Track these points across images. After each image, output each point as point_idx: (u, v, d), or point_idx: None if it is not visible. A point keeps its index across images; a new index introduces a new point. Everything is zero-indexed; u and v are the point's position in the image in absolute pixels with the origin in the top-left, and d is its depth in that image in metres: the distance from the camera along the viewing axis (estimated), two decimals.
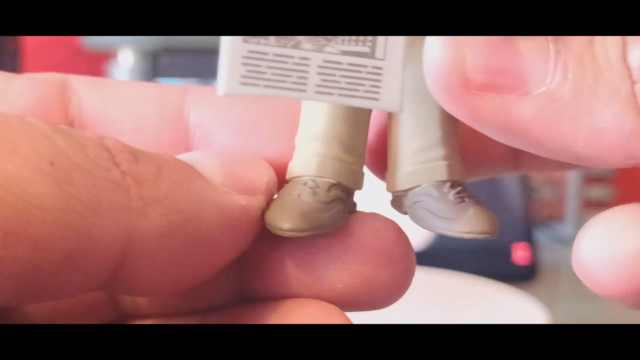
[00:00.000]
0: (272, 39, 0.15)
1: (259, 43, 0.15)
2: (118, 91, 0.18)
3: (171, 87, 0.19)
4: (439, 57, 0.15)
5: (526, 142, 0.15)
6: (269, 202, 0.16)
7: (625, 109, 0.14)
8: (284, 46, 0.15)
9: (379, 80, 0.16)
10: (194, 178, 0.15)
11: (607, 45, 0.15)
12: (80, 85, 0.18)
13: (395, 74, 0.16)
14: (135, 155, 0.14)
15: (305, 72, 0.15)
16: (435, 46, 0.15)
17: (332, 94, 0.15)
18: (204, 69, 0.61)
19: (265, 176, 0.16)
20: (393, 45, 0.16)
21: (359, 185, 0.18)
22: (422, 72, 0.16)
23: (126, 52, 0.72)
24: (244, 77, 0.15)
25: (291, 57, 0.15)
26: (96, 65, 0.80)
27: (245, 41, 0.15)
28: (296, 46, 0.15)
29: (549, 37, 0.15)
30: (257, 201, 0.16)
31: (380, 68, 0.16)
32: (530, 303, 0.53)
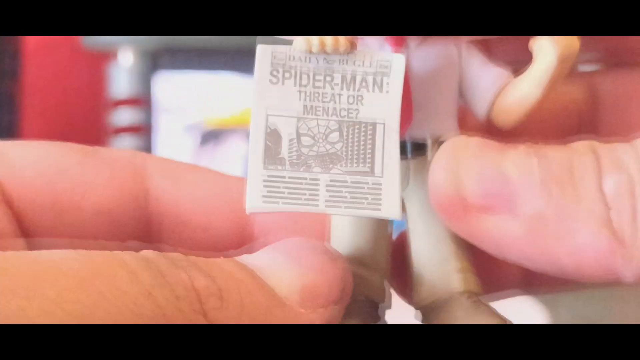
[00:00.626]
0: (287, 164, 0.18)
1: (276, 168, 0.18)
2: (189, 183, 0.22)
3: (235, 181, 0.22)
4: (441, 183, 0.18)
5: (518, 257, 0.18)
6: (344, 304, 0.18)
7: (601, 230, 0.17)
8: (298, 170, 0.18)
9: (379, 194, 0.18)
10: (274, 309, 0.16)
11: (585, 175, 0.17)
12: (156, 174, 0.21)
13: (393, 187, 0.18)
14: (222, 298, 0.16)
15: (316, 190, 0.18)
16: (437, 173, 0.18)
17: (340, 206, 0.18)
18: (203, 66, 0.61)
19: (339, 282, 0.18)
20: (389, 164, 0.18)
21: (382, 299, 0.19)
22: (428, 197, 0.18)
23: (126, 52, 0.72)
24: (265, 196, 0.18)
25: (304, 178, 0.18)
26: (96, 65, 0.80)
27: (265, 167, 0.18)
28: (307, 169, 0.18)
29: (535, 165, 0.17)
30: (332, 312, 0.17)
31: (380, 184, 0.18)
32: (530, 303, 0.53)
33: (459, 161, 0.18)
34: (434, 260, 0.19)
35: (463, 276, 0.19)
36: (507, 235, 0.17)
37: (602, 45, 0.22)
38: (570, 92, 0.23)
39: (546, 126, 0.22)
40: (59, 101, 0.87)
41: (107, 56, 0.74)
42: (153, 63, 0.60)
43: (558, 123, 0.22)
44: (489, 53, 0.20)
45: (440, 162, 0.18)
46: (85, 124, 0.86)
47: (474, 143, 0.18)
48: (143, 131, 0.68)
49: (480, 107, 0.20)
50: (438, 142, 0.19)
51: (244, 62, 0.61)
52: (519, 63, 0.19)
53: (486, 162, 0.18)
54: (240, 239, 0.22)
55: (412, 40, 0.19)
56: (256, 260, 0.18)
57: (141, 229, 0.22)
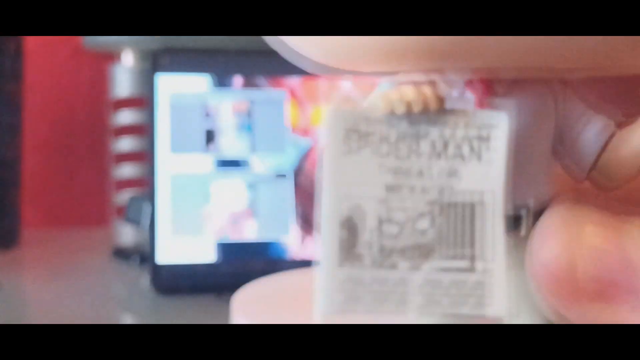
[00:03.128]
0: (367, 259, 0.15)
1: (353, 266, 0.15)
2: None
3: None
4: (549, 262, 0.15)
5: None
6: None
7: None
8: (380, 267, 0.15)
9: (483, 295, 0.15)
10: None
11: None
12: None
13: (500, 284, 0.15)
14: None
15: (405, 293, 0.15)
16: (544, 250, 0.15)
17: (434, 313, 0.15)
18: (205, 67, 0.61)
19: None
20: (494, 255, 0.15)
21: None
22: (522, 280, 0.15)
23: (127, 52, 0.72)
24: (342, 303, 0.15)
25: (388, 278, 0.15)
26: (97, 66, 0.80)
27: (341, 266, 0.15)
28: (393, 266, 0.15)
29: None
30: None
31: (482, 282, 0.15)
32: None
33: (571, 236, 0.15)
34: None
35: None
36: None
37: None
38: None
39: None
40: (60, 101, 0.87)
41: (109, 57, 0.74)
42: (155, 63, 0.60)
43: None
44: (585, 101, 0.17)
45: (545, 237, 0.15)
46: (87, 124, 0.86)
47: (589, 214, 0.15)
48: (144, 132, 0.68)
49: (580, 164, 0.17)
50: (533, 214, 0.16)
51: (246, 63, 0.61)
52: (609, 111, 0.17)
53: (604, 240, 0.15)
54: None
55: (499, 86, 0.16)
56: None
57: None
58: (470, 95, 0.16)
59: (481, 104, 0.16)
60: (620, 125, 0.17)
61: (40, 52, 0.83)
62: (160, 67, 0.60)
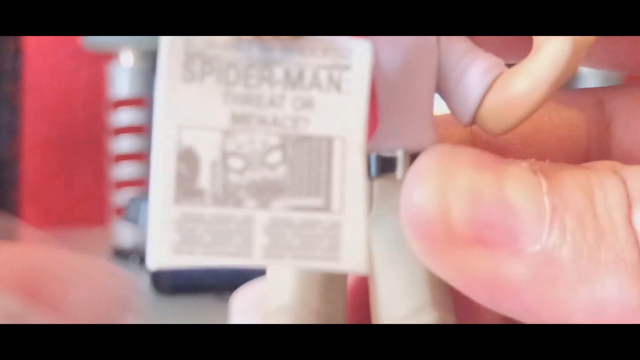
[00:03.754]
0: (208, 197, 0.13)
1: (193, 203, 0.13)
2: None
3: None
4: (420, 205, 0.13)
5: (517, 308, 0.14)
6: None
7: (632, 280, 0.13)
8: (223, 205, 0.13)
9: (338, 237, 0.13)
10: None
11: (610, 204, 0.13)
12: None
13: (357, 227, 0.13)
14: None
15: (250, 234, 0.13)
16: (415, 193, 0.13)
17: (283, 256, 0.13)
18: None
19: None
20: (351, 195, 0.13)
21: None
22: (400, 225, 0.14)
23: (127, 53, 0.71)
24: (178, 244, 0.13)
25: (232, 217, 0.13)
26: (97, 66, 0.80)
27: (177, 202, 0.13)
28: (237, 204, 0.13)
29: (544, 187, 0.13)
30: None
31: (338, 222, 0.13)
32: None
33: (446, 177, 0.13)
34: (405, 311, 0.15)
35: None
36: (505, 279, 0.13)
37: (618, 48, 0.17)
38: (575, 111, 0.18)
39: (547, 150, 0.17)
40: (59, 101, 0.87)
41: (108, 57, 0.74)
42: (154, 63, 0.60)
43: (561, 147, 0.18)
44: (474, 41, 0.16)
45: (418, 178, 0.14)
46: (86, 124, 0.86)
47: (466, 154, 0.14)
48: (144, 131, 0.68)
49: (465, 106, 0.15)
50: (411, 155, 0.15)
51: None
52: (500, 50, 0.16)
53: (482, 180, 0.13)
54: None
55: None
56: None
57: None
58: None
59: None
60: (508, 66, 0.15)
61: (40, 52, 0.83)
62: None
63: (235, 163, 0.13)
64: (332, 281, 0.15)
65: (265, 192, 0.13)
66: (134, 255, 0.69)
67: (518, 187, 0.13)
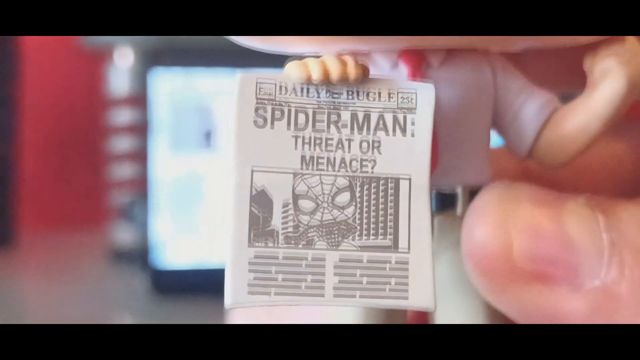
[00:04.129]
0: (281, 238, 0.14)
1: (266, 245, 0.14)
2: None
3: None
4: (482, 240, 0.14)
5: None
6: None
7: None
8: (295, 246, 0.14)
9: (406, 276, 0.14)
10: None
11: None
12: None
13: (425, 265, 0.14)
14: None
15: (322, 273, 0.14)
16: (478, 228, 0.14)
17: (354, 296, 0.14)
18: (204, 65, 0.61)
19: None
20: (418, 235, 0.14)
21: None
22: (461, 260, 0.14)
23: (125, 52, 0.71)
24: (251, 285, 0.14)
25: (304, 258, 0.14)
26: (95, 65, 0.80)
27: (251, 244, 0.14)
28: (309, 245, 0.14)
29: (601, 223, 0.14)
30: None
31: (406, 261, 0.14)
32: None
33: (507, 213, 0.14)
34: None
35: None
36: (564, 314, 0.13)
37: None
38: (622, 144, 0.19)
39: (597, 184, 0.17)
40: (57, 101, 0.87)
41: (106, 56, 0.74)
42: (152, 63, 0.60)
43: (610, 180, 0.18)
44: (526, 74, 0.16)
45: (480, 214, 0.14)
46: (85, 123, 0.86)
47: (525, 190, 0.14)
48: (143, 131, 0.68)
49: (522, 140, 0.16)
50: (470, 191, 0.15)
51: (246, 62, 0.61)
52: (552, 85, 0.16)
53: (542, 216, 0.14)
54: None
55: (434, 57, 0.15)
56: None
57: None
58: (403, 68, 0.15)
59: (414, 77, 0.15)
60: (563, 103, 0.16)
61: (38, 51, 0.83)
62: (158, 65, 0.60)
63: (306, 204, 0.14)
64: (392, 319, 0.16)
65: (335, 233, 0.14)
66: (132, 257, 0.68)
67: (577, 223, 0.14)
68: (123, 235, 0.71)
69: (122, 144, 0.71)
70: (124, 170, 0.72)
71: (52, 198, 0.87)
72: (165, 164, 0.60)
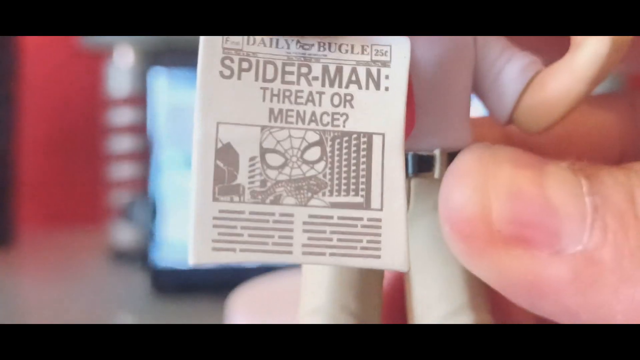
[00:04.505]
0: (247, 193, 0.13)
1: (232, 200, 0.13)
2: None
3: None
4: (460, 204, 0.13)
5: (556, 310, 0.13)
6: None
7: None
8: (262, 202, 0.13)
9: (378, 234, 0.13)
10: None
11: None
12: None
13: (398, 224, 0.13)
14: None
15: (290, 230, 0.13)
16: (455, 191, 0.13)
17: (323, 254, 0.13)
18: None
19: None
20: (391, 192, 0.13)
21: None
22: (438, 225, 0.14)
23: (125, 52, 0.71)
24: (216, 241, 0.13)
25: (271, 214, 0.13)
26: (95, 65, 0.80)
27: (215, 199, 0.13)
28: (276, 201, 0.13)
29: (584, 187, 0.13)
30: None
31: (378, 220, 0.13)
32: None
33: (486, 176, 0.13)
34: (442, 312, 0.15)
35: None
36: (545, 280, 0.13)
37: None
38: (608, 115, 0.18)
39: (582, 154, 0.16)
40: (57, 101, 0.87)
41: (106, 56, 0.74)
42: (152, 63, 0.60)
43: (595, 150, 0.18)
44: (511, 40, 0.15)
45: (458, 177, 0.14)
46: (85, 123, 0.86)
47: (506, 153, 0.14)
48: (143, 130, 0.68)
49: (502, 104, 0.15)
50: (448, 154, 0.15)
51: None
52: (539, 48, 0.15)
53: (522, 179, 0.13)
54: None
55: None
56: None
57: None
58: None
59: None
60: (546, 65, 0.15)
61: (38, 51, 0.83)
62: (159, 65, 0.60)
63: (273, 159, 0.13)
64: (367, 282, 0.15)
65: (304, 188, 0.13)
66: (133, 256, 0.68)
67: (559, 186, 0.13)
68: (123, 235, 0.71)
69: (122, 144, 0.71)
70: (124, 170, 0.72)
71: (52, 198, 0.87)
72: (165, 164, 0.60)
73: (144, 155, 0.65)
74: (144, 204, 0.61)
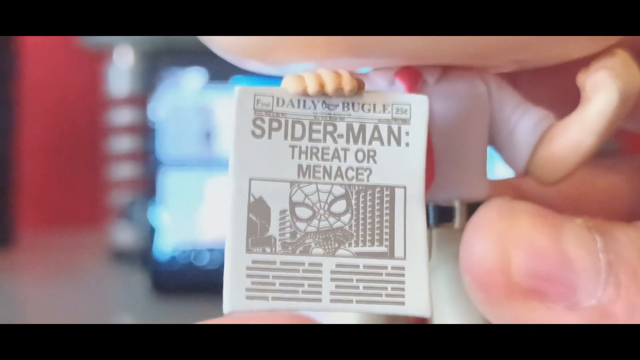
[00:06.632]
0: (278, 245, 0.14)
1: (264, 252, 0.14)
2: None
3: None
4: (481, 255, 0.14)
5: None
6: None
7: None
8: (292, 253, 0.14)
9: (402, 282, 0.14)
10: None
11: None
12: None
13: (420, 272, 0.14)
14: None
15: (319, 279, 0.14)
16: (476, 243, 0.14)
17: (350, 301, 0.14)
18: (204, 66, 0.61)
19: None
20: (413, 242, 0.14)
21: None
22: (459, 273, 0.14)
23: (125, 52, 0.71)
24: (249, 290, 0.14)
25: (301, 264, 0.14)
26: (95, 65, 0.80)
27: (249, 251, 0.14)
28: (306, 252, 0.14)
29: (599, 243, 0.14)
30: None
31: (402, 268, 0.14)
32: None
33: (505, 230, 0.14)
34: None
35: None
36: None
37: None
38: (617, 176, 0.19)
39: (592, 213, 0.17)
40: (57, 101, 0.87)
41: (106, 56, 0.74)
42: (152, 63, 0.60)
43: (605, 209, 0.18)
44: (521, 91, 0.16)
45: (479, 229, 0.14)
46: (84, 124, 0.86)
47: (524, 208, 0.14)
48: (143, 131, 0.68)
49: (518, 156, 0.16)
50: (468, 205, 0.16)
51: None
52: (552, 104, 0.16)
53: (540, 234, 0.14)
54: None
55: (429, 74, 0.15)
56: None
57: None
58: (400, 85, 0.15)
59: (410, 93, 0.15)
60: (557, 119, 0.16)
61: (38, 51, 0.83)
62: (159, 65, 0.60)
63: (303, 212, 0.14)
64: (392, 322, 0.16)
65: (332, 239, 0.14)
66: (133, 256, 0.68)
67: (575, 242, 0.14)
68: (123, 235, 0.71)
69: (122, 144, 0.71)
70: (124, 170, 0.72)
71: (52, 198, 0.87)
72: (165, 164, 0.60)
73: (144, 155, 0.65)
74: (144, 204, 0.61)
